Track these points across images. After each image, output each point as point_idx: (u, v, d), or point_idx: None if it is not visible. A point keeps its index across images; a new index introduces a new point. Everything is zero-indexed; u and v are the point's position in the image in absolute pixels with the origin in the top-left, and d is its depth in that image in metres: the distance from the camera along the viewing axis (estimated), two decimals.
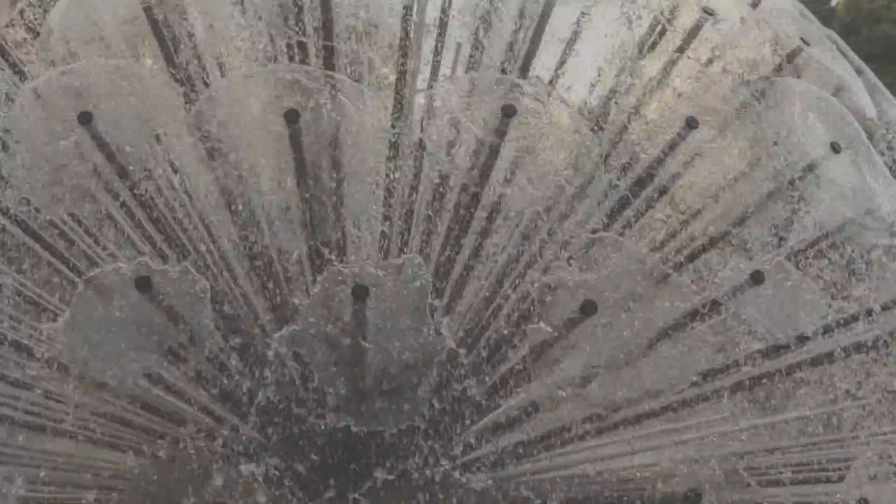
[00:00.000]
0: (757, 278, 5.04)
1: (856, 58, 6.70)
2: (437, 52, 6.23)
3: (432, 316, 4.71)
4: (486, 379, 5.26)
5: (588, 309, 4.76)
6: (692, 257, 5.49)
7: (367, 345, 4.62)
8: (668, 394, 4.99)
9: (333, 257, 5.06)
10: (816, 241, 5.65)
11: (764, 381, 5.37)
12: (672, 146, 5.27)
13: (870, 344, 5.38)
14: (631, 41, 5.99)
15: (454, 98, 5.35)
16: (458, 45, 6.37)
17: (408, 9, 5.93)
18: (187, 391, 5.15)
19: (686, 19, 6.12)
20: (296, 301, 4.92)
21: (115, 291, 4.55)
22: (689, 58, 5.93)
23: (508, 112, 4.92)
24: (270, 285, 5.28)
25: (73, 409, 5.16)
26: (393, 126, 5.61)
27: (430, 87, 6.02)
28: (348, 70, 5.77)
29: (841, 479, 5.07)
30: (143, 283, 4.50)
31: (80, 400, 5.16)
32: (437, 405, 5.13)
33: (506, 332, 5.29)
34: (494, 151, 5.05)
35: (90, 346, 4.65)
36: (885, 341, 5.32)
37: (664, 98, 5.83)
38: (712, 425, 5.29)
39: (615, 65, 5.89)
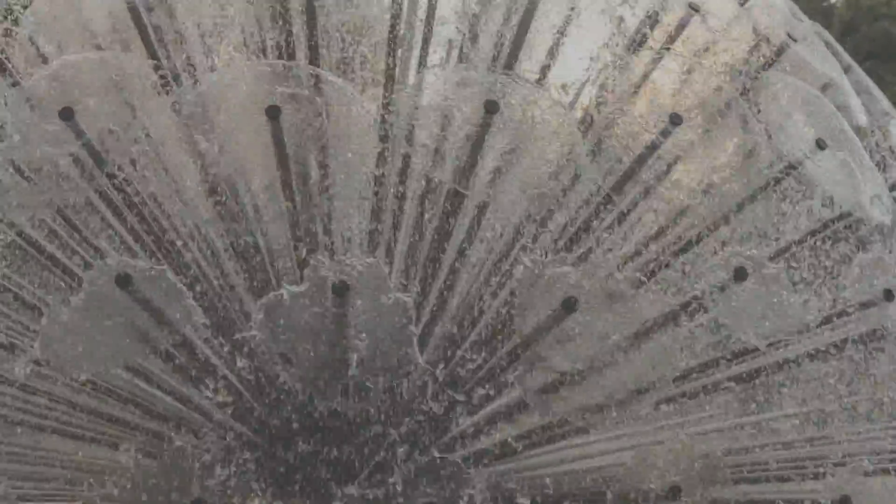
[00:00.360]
0: (740, 275, 5.02)
1: (845, 55, 6.69)
2: (425, 47, 6.22)
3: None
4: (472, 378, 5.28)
5: (569, 305, 4.75)
6: (677, 255, 5.50)
7: (347, 339, 4.63)
8: (651, 391, 4.97)
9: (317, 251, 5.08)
10: (802, 238, 5.65)
11: (747, 378, 5.37)
12: (655, 143, 5.23)
13: (854, 341, 5.37)
14: (620, 37, 6.03)
15: (439, 93, 5.35)
16: (450, 41, 6.38)
17: (395, 4, 5.94)
18: (171, 387, 5.16)
19: (674, 16, 6.13)
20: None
21: (97, 288, 4.55)
22: (676, 54, 5.93)
23: (490, 108, 4.91)
24: (257, 277, 5.30)
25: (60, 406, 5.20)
26: (383, 121, 5.64)
27: (416, 82, 6.00)
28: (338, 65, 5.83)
29: (823, 476, 5.07)
30: (124, 281, 4.50)
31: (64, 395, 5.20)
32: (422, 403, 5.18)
33: (490, 329, 5.30)
34: (477, 147, 5.04)
35: (72, 342, 4.64)
36: (868, 338, 5.31)
37: (650, 95, 5.83)
38: (695, 423, 5.29)
39: (602, 61, 5.90)
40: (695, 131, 5.51)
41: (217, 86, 5.21)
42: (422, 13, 6.26)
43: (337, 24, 5.87)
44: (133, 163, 5.14)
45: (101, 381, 4.98)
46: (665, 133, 5.19)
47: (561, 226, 5.56)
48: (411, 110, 5.37)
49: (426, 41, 6.16)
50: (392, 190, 5.66)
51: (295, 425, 5.01)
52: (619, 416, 4.95)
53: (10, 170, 5.03)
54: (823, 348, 5.36)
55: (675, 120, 5.21)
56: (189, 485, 4.74)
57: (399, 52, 6.09)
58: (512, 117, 5.14)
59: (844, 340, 5.35)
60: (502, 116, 5.05)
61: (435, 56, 6.36)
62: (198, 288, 5.18)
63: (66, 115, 4.80)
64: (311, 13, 5.43)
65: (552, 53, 6.01)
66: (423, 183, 5.66)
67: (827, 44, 6.54)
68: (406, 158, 5.60)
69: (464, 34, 6.04)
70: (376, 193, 5.60)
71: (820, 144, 5.46)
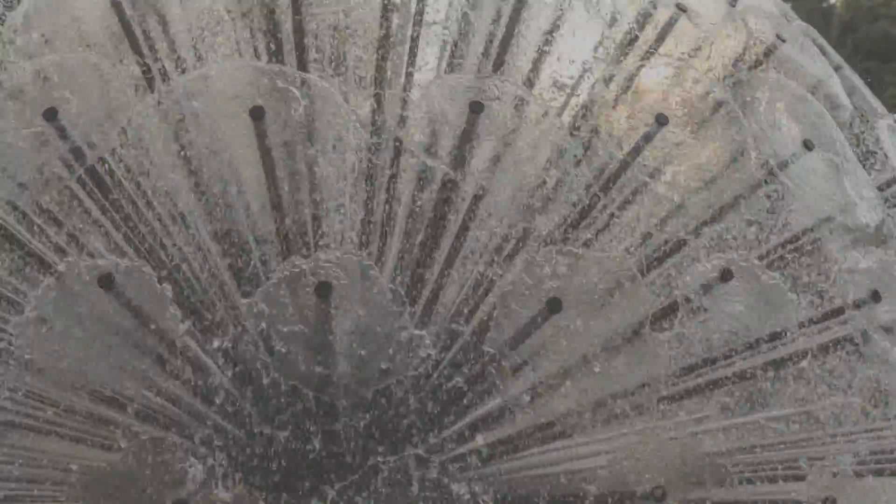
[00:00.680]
0: (725, 276, 5.02)
1: (835, 54, 6.68)
2: (413, 47, 6.21)
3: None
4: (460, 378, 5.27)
5: (553, 306, 4.74)
6: (665, 256, 5.50)
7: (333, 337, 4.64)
8: (637, 394, 4.97)
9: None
10: (789, 239, 5.65)
11: (735, 380, 5.36)
12: (641, 143, 5.23)
13: (840, 343, 5.36)
14: (609, 39, 6.03)
15: (428, 95, 5.35)
16: (444, 41, 6.38)
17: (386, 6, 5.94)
18: (157, 387, 5.15)
19: (662, 16, 6.13)
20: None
21: (79, 288, 4.55)
22: (663, 55, 5.92)
23: (476, 109, 4.91)
24: (243, 272, 5.30)
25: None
26: (374, 123, 5.65)
27: (405, 84, 6.00)
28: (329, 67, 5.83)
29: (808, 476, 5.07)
30: (106, 281, 4.50)
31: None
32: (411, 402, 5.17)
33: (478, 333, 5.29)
34: (464, 147, 5.04)
35: (55, 340, 4.64)
36: (855, 341, 5.30)
37: (640, 96, 5.82)
38: (681, 424, 5.28)
39: (591, 62, 5.90)
40: (684, 132, 5.51)
41: (203, 84, 5.21)
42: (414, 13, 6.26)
43: (330, 25, 5.90)
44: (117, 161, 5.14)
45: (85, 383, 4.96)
46: (651, 133, 5.16)
47: (551, 226, 5.55)
48: (401, 110, 5.38)
49: (415, 41, 6.14)
50: (384, 185, 5.66)
51: (280, 425, 5.01)
52: (604, 418, 4.95)
53: None
54: (811, 349, 5.35)
55: (662, 120, 5.20)
56: (171, 486, 4.74)
57: (391, 52, 6.08)
58: (499, 118, 5.15)
59: (832, 341, 5.34)
60: (489, 117, 5.05)
61: (428, 56, 6.38)
62: (184, 286, 5.19)
63: (50, 115, 4.79)
64: (296, 9, 5.41)
65: (542, 54, 6.00)
66: (415, 181, 5.64)
67: (816, 43, 6.53)
68: (396, 156, 5.60)
69: (453, 35, 6.03)
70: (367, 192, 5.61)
71: (807, 145, 5.45)
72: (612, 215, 5.49)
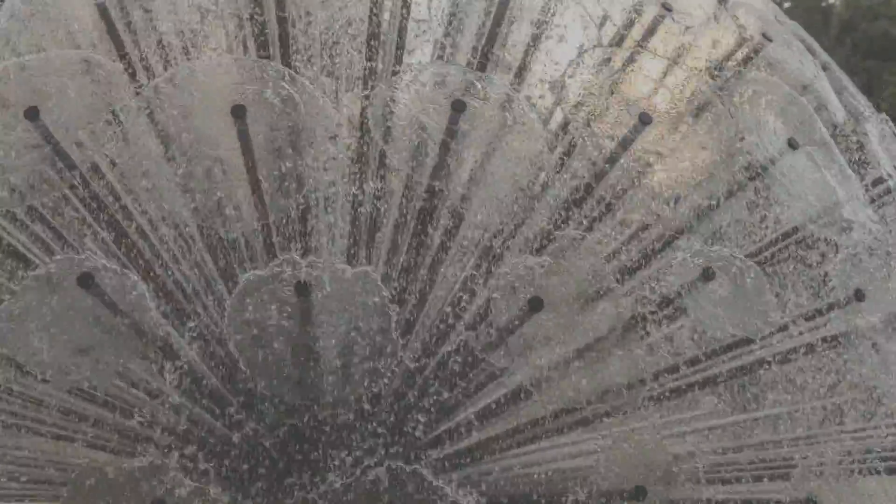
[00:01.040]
0: (707, 275, 5.01)
1: (823, 54, 6.67)
2: (401, 46, 6.21)
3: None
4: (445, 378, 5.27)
5: (535, 305, 4.74)
6: (649, 255, 5.49)
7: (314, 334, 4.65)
8: (620, 393, 4.97)
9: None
10: (776, 239, 5.65)
11: (718, 380, 5.37)
12: (625, 143, 5.22)
13: (826, 342, 5.36)
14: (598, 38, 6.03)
15: (410, 93, 5.34)
16: (435, 40, 6.38)
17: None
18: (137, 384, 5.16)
19: (650, 15, 6.12)
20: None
21: (59, 286, 4.55)
22: (653, 54, 5.92)
23: (458, 107, 4.90)
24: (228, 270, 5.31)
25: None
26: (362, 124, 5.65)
27: (390, 81, 5.99)
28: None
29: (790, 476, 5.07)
30: (86, 280, 4.50)
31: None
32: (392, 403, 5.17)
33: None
34: (445, 147, 5.03)
35: (36, 337, 4.65)
36: (839, 340, 5.30)
37: (626, 95, 5.81)
38: (663, 425, 5.28)
39: (578, 61, 5.89)
40: (670, 131, 5.50)
41: (189, 80, 5.21)
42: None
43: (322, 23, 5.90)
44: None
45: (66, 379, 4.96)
46: (635, 132, 5.16)
47: (535, 227, 5.55)
48: (386, 109, 5.37)
49: (402, 39, 6.14)
50: (371, 186, 5.66)
51: (263, 428, 5.01)
52: (587, 417, 4.96)
53: None
54: (795, 349, 5.35)
55: (645, 119, 5.19)
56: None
57: (380, 50, 6.08)
58: (482, 117, 5.14)
59: (817, 341, 5.33)
60: (473, 116, 5.05)
61: (421, 56, 6.38)
62: (167, 285, 5.19)
63: (32, 114, 4.79)
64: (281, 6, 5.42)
65: (529, 54, 6.00)
66: (403, 181, 5.64)
67: (805, 43, 6.52)
68: (382, 156, 5.60)
69: (439, 33, 6.03)
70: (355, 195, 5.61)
71: (792, 144, 5.45)
72: (594, 219, 5.48)
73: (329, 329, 4.73)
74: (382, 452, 5.07)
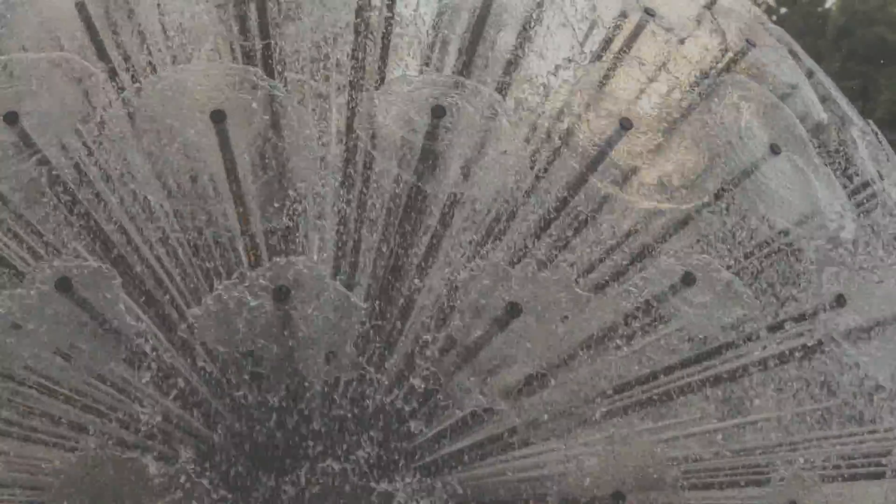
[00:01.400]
0: (688, 280, 5.02)
1: (808, 59, 6.68)
2: (385, 52, 6.22)
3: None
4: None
5: (513, 311, 4.74)
6: (633, 262, 5.50)
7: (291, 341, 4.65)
8: (598, 400, 4.97)
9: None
10: (758, 245, 5.65)
11: (700, 386, 5.37)
12: (606, 148, 5.22)
13: (806, 348, 5.36)
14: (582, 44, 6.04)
15: (394, 100, 5.35)
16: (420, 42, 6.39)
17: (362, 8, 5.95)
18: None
19: (633, 21, 6.13)
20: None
21: (36, 290, 4.56)
22: (635, 60, 5.92)
23: (437, 113, 4.90)
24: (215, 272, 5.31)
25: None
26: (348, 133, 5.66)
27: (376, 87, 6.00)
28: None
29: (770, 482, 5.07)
30: (64, 284, 4.50)
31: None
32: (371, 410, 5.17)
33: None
34: (427, 153, 5.04)
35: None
36: (819, 347, 5.30)
37: (609, 101, 5.82)
38: (644, 431, 5.28)
39: (562, 67, 5.90)
40: (653, 137, 5.51)
41: (172, 85, 5.21)
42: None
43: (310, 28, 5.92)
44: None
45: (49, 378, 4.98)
46: (615, 138, 5.16)
47: (518, 233, 5.55)
48: (371, 115, 5.37)
49: (386, 45, 6.15)
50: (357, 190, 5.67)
51: (239, 430, 5.01)
52: (565, 425, 4.96)
53: None
54: (775, 355, 5.35)
55: (626, 124, 5.19)
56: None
57: (366, 57, 6.09)
58: (463, 123, 5.15)
59: (796, 348, 5.34)
60: (453, 122, 5.04)
61: (410, 61, 6.39)
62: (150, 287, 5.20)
63: (11, 118, 4.79)
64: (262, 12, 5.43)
65: (514, 61, 6.00)
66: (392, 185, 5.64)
67: (790, 49, 6.54)
68: (368, 161, 5.61)
69: (422, 39, 6.04)
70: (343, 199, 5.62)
71: (774, 149, 5.45)
72: (576, 229, 5.49)
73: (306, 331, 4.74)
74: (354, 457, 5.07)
